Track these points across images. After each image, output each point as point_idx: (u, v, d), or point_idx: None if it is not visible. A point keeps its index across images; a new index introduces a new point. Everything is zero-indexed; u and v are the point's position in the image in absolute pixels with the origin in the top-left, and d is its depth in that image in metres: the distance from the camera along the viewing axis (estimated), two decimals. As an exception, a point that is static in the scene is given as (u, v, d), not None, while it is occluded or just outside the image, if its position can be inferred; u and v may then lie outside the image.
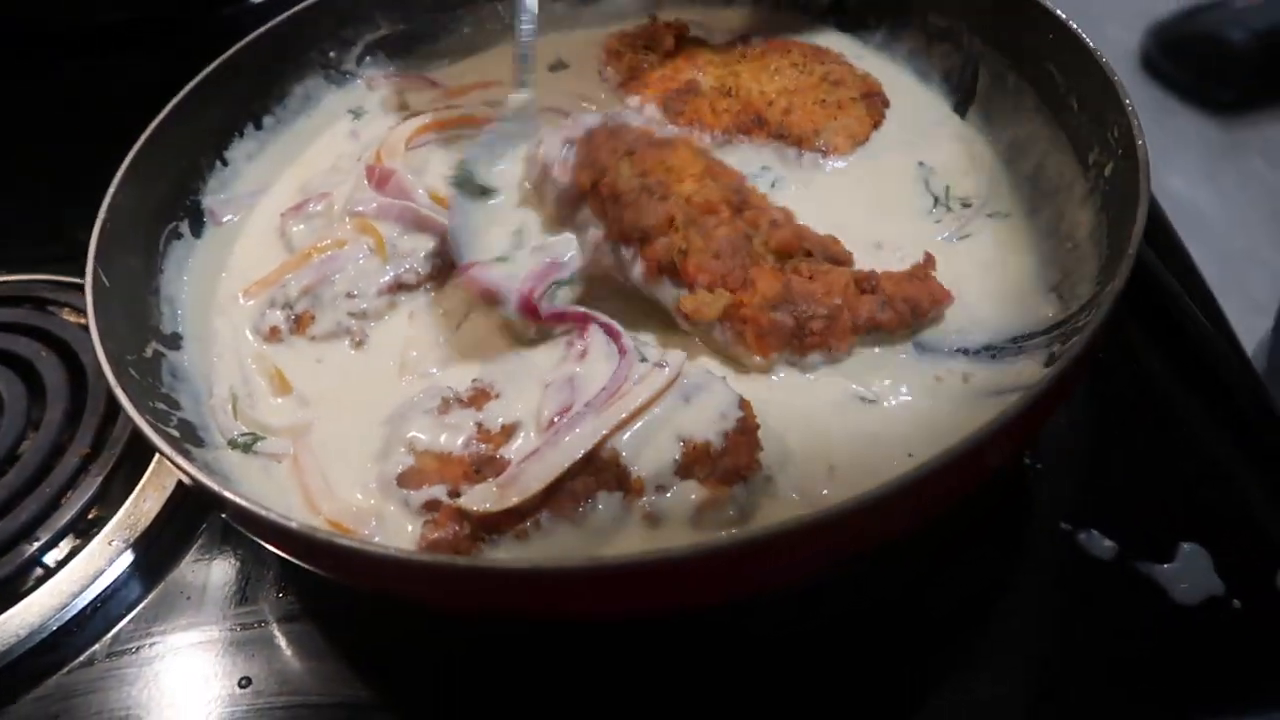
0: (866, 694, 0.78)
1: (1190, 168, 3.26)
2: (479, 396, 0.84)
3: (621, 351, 0.83)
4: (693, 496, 0.74)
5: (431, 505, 0.78)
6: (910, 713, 0.77)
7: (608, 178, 0.88)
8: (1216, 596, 0.79)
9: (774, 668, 0.79)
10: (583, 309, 0.89)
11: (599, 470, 0.76)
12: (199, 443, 0.87)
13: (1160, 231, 1.13)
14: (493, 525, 0.75)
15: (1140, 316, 0.96)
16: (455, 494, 0.77)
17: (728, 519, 0.74)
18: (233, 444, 0.88)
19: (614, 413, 0.78)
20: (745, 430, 0.77)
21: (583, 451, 0.75)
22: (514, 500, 0.73)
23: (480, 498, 0.75)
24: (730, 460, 0.75)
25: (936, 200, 0.99)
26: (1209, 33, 3.39)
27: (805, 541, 0.62)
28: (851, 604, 0.82)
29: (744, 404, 0.79)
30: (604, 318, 0.87)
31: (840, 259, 0.91)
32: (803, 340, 0.84)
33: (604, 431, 0.76)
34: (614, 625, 0.79)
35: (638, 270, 0.87)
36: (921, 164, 1.03)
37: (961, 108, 1.09)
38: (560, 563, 0.66)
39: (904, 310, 0.85)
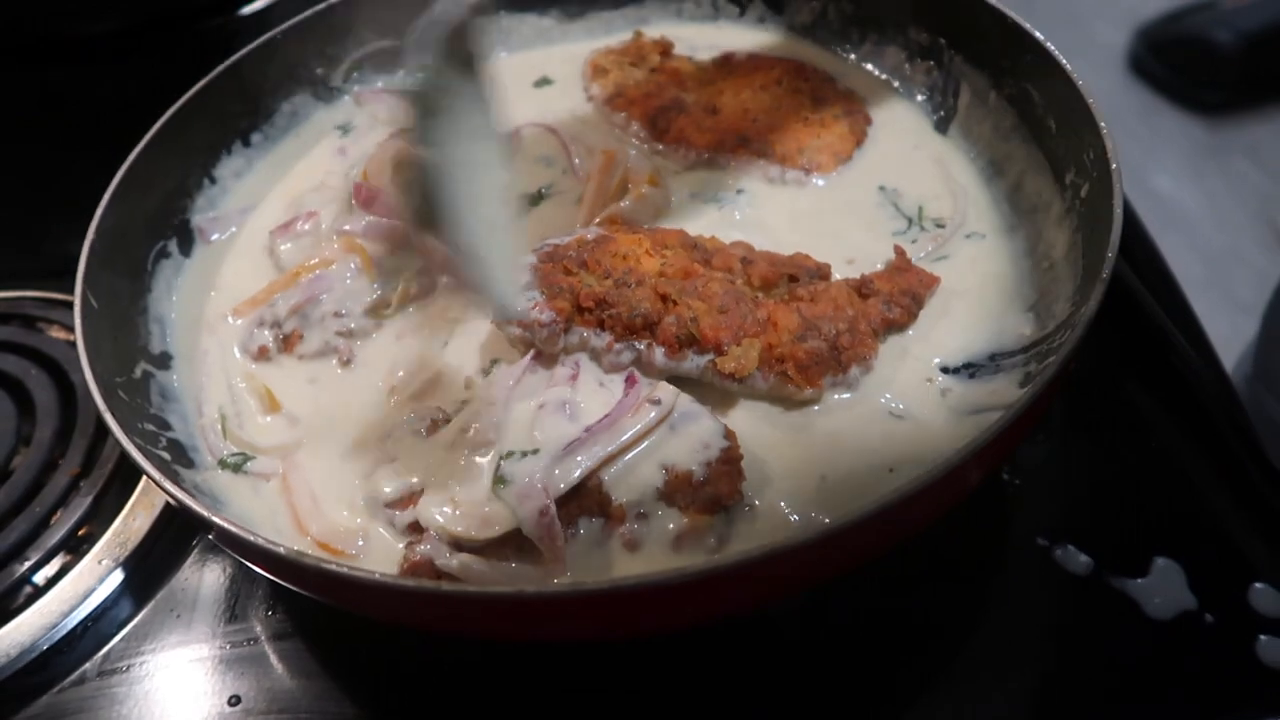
0: (844, 709, 0.79)
1: (1176, 168, 3.28)
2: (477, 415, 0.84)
3: (631, 382, 0.83)
4: (671, 525, 0.75)
5: (416, 527, 0.79)
6: (888, 725, 0.79)
7: (584, 292, 0.86)
8: (1189, 611, 0.80)
9: (752, 685, 0.80)
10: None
11: (582, 497, 0.77)
12: (189, 464, 0.88)
13: (1138, 243, 1.15)
14: (476, 550, 0.76)
15: (1117, 334, 0.97)
16: None
17: (707, 546, 0.76)
18: (223, 464, 0.89)
19: (610, 443, 0.78)
20: (728, 460, 0.78)
21: (577, 479, 0.76)
22: (498, 530, 0.74)
23: (464, 520, 0.76)
24: (711, 489, 0.76)
25: (910, 222, 1.00)
26: (1196, 34, 3.41)
27: (780, 566, 0.63)
28: (827, 621, 0.83)
29: (729, 434, 0.80)
30: None
31: (823, 273, 0.93)
32: (839, 359, 0.85)
33: (600, 461, 0.77)
34: (600, 645, 0.80)
35: (659, 356, 0.85)
36: (891, 188, 1.04)
37: (943, 125, 1.10)
38: (539, 589, 0.66)
39: (907, 302, 0.90)
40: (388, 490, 0.83)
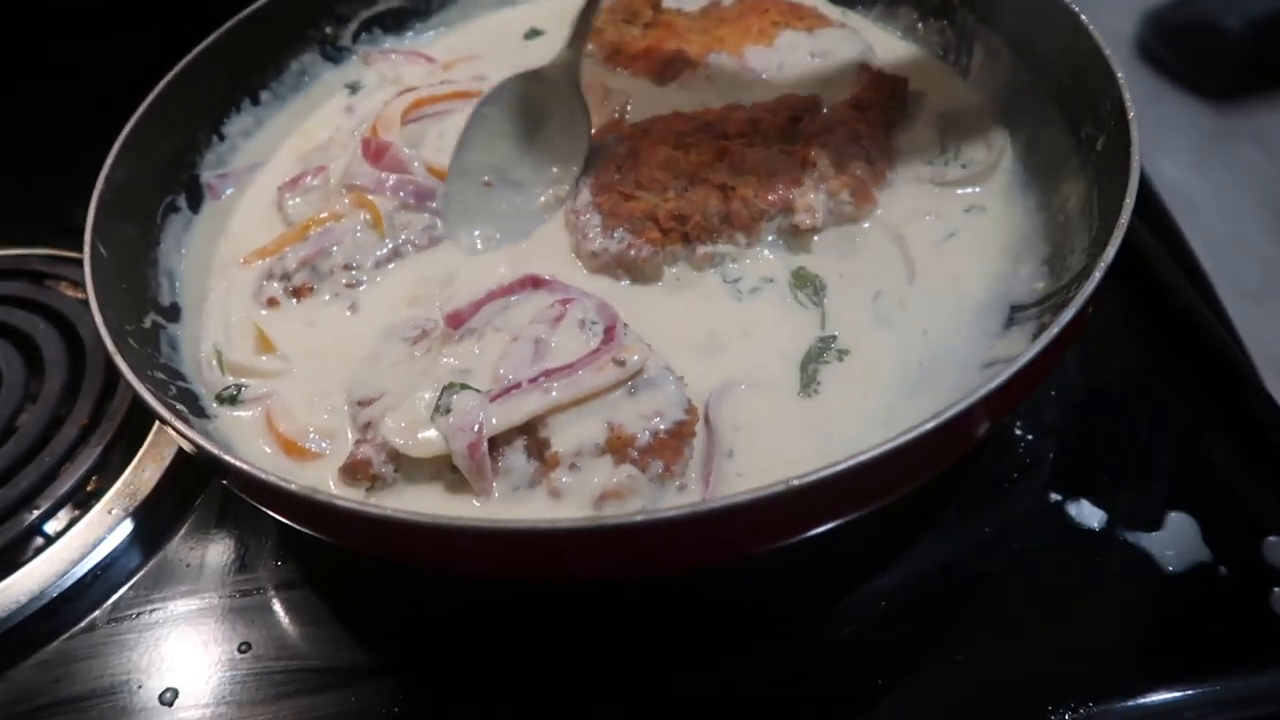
0: (852, 661, 0.79)
1: (1182, 154, 3.27)
2: (452, 335, 0.85)
3: (610, 337, 0.82)
4: (597, 481, 0.75)
5: (368, 428, 0.81)
6: (899, 679, 0.78)
7: (661, 214, 0.92)
8: (1204, 564, 0.80)
9: (756, 630, 0.80)
10: (579, 289, 0.89)
11: (524, 434, 0.78)
12: (200, 413, 0.88)
13: (1152, 208, 1.14)
14: (411, 463, 0.78)
15: (1130, 290, 0.97)
16: None
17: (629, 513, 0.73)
18: (219, 398, 0.89)
19: (563, 393, 0.78)
20: (678, 434, 0.77)
21: (515, 424, 0.77)
22: (430, 453, 0.76)
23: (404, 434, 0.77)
24: (649, 457, 0.75)
25: (943, 151, 1.01)
26: (1204, 20, 3.39)
27: (775, 507, 0.63)
28: (835, 571, 0.83)
29: (690, 409, 0.79)
30: (600, 299, 0.87)
31: (816, 103, 1.02)
32: (875, 168, 0.96)
33: (546, 408, 0.77)
34: (613, 587, 0.80)
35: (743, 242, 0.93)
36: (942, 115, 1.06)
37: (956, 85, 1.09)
38: (408, 517, 0.64)
39: (894, 102, 1.03)
40: (358, 391, 0.85)
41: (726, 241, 0.93)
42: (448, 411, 0.77)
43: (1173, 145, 3.36)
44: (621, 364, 0.79)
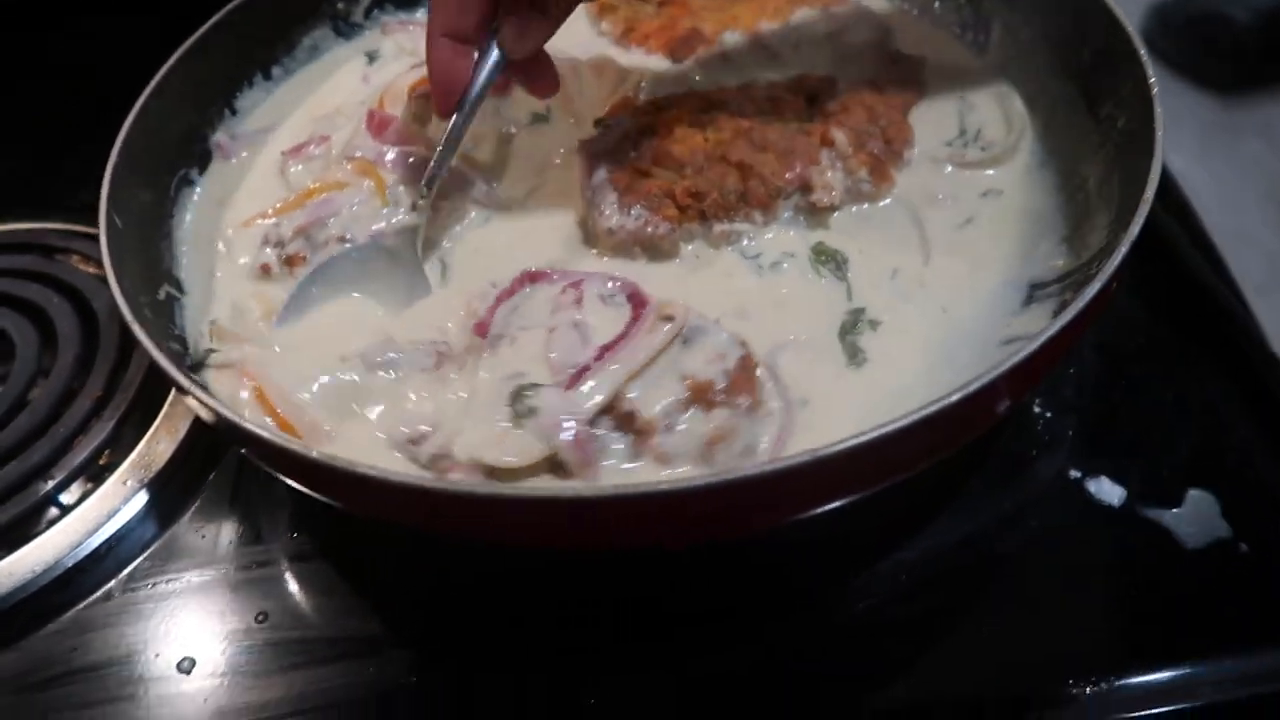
0: (871, 635, 0.79)
1: (1186, 147, 3.26)
2: (481, 346, 0.84)
3: (639, 302, 0.83)
4: (698, 430, 0.75)
5: (439, 459, 0.78)
6: (916, 655, 0.78)
7: (679, 191, 0.91)
8: (1223, 540, 0.80)
9: (775, 604, 0.81)
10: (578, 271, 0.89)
11: (610, 416, 0.77)
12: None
13: (1166, 187, 1.14)
14: (504, 475, 0.75)
15: (1148, 268, 0.96)
16: None
17: (737, 453, 0.75)
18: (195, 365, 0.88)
19: (630, 361, 0.77)
20: (745, 368, 0.77)
21: (603, 402, 0.76)
22: (536, 456, 0.74)
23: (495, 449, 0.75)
24: (732, 395, 0.76)
25: (963, 133, 1.01)
26: (1211, 11, 3.38)
27: (800, 482, 0.63)
28: (848, 546, 0.83)
29: (742, 343, 0.80)
30: (606, 273, 0.87)
31: (832, 82, 1.01)
32: (893, 149, 0.96)
33: (623, 379, 0.76)
34: (629, 560, 0.80)
35: (760, 220, 0.93)
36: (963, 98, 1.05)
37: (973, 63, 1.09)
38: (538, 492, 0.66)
39: (912, 80, 1.04)
40: (404, 430, 0.81)
41: (743, 219, 0.93)
42: (533, 413, 0.75)
43: (1176, 138, 3.33)
44: (670, 318, 0.79)
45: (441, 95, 0.89)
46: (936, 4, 1.14)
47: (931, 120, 1.02)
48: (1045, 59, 1.01)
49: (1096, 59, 0.93)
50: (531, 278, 0.88)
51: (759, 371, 0.80)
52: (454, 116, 0.90)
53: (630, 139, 0.97)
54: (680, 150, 0.94)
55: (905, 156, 0.97)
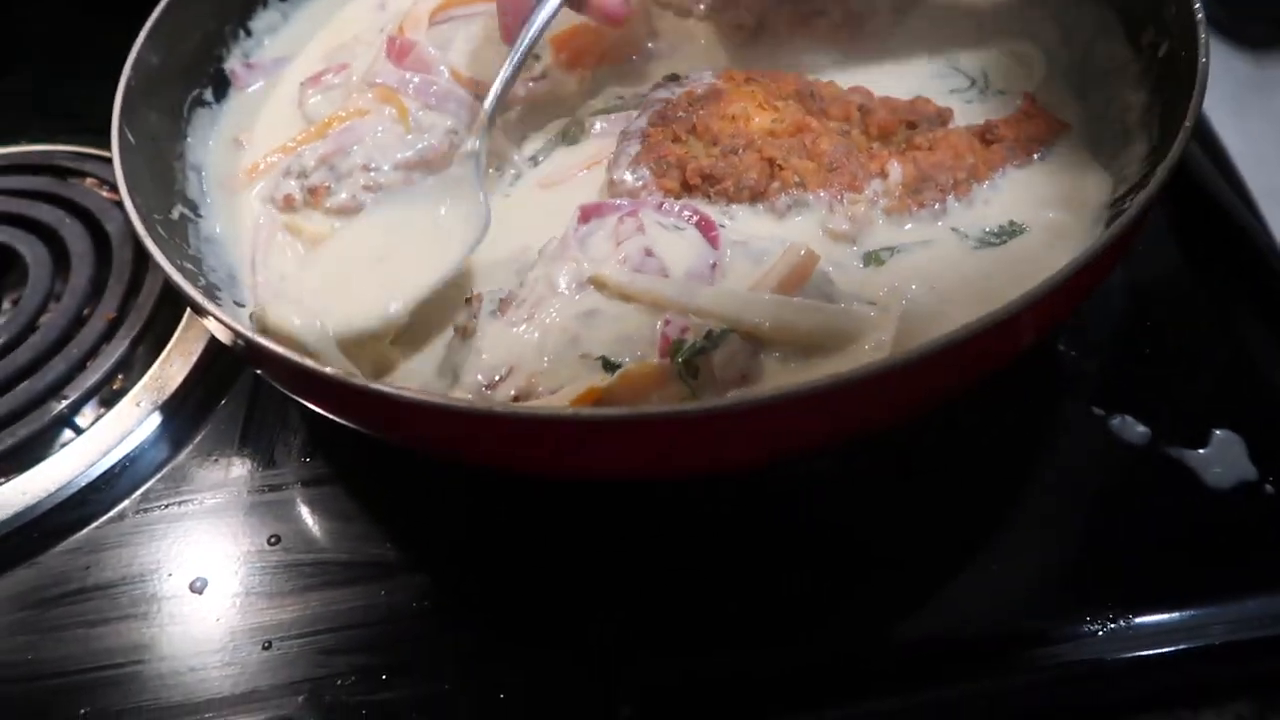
0: (889, 568, 0.79)
1: (1216, 104, 3.18)
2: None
3: (706, 225, 0.82)
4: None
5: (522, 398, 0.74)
6: (934, 588, 0.78)
7: (691, 167, 0.87)
8: (1249, 481, 0.78)
9: (796, 528, 0.80)
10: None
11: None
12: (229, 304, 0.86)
13: (1204, 133, 1.11)
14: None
15: (1179, 205, 0.94)
16: None
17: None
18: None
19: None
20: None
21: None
22: None
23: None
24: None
25: (972, 82, 0.97)
26: (1247, -34, 3.28)
27: (838, 400, 0.62)
28: (872, 477, 0.83)
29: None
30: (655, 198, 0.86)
31: (944, 118, 0.91)
32: (948, 194, 0.86)
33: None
34: (653, 490, 0.80)
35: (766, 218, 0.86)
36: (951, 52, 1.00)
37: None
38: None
39: (1032, 147, 0.88)
40: (480, 377, 0.76)
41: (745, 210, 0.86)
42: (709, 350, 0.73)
43: (1208, 95, 3.27)
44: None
45: (509, 20, 0.89)
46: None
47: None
48: (1084, -15, 0.97)
49: (1138, -18, 0.90)
50: (583, 215, 0.85)
51: None
52: (518, 40, 0.89)
53: (692, 95, 0.92)
54: (722, 127, 0.88)
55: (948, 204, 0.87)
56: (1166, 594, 0.75)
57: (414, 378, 0.82)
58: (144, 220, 0.79)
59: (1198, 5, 0.80)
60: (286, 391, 0.75)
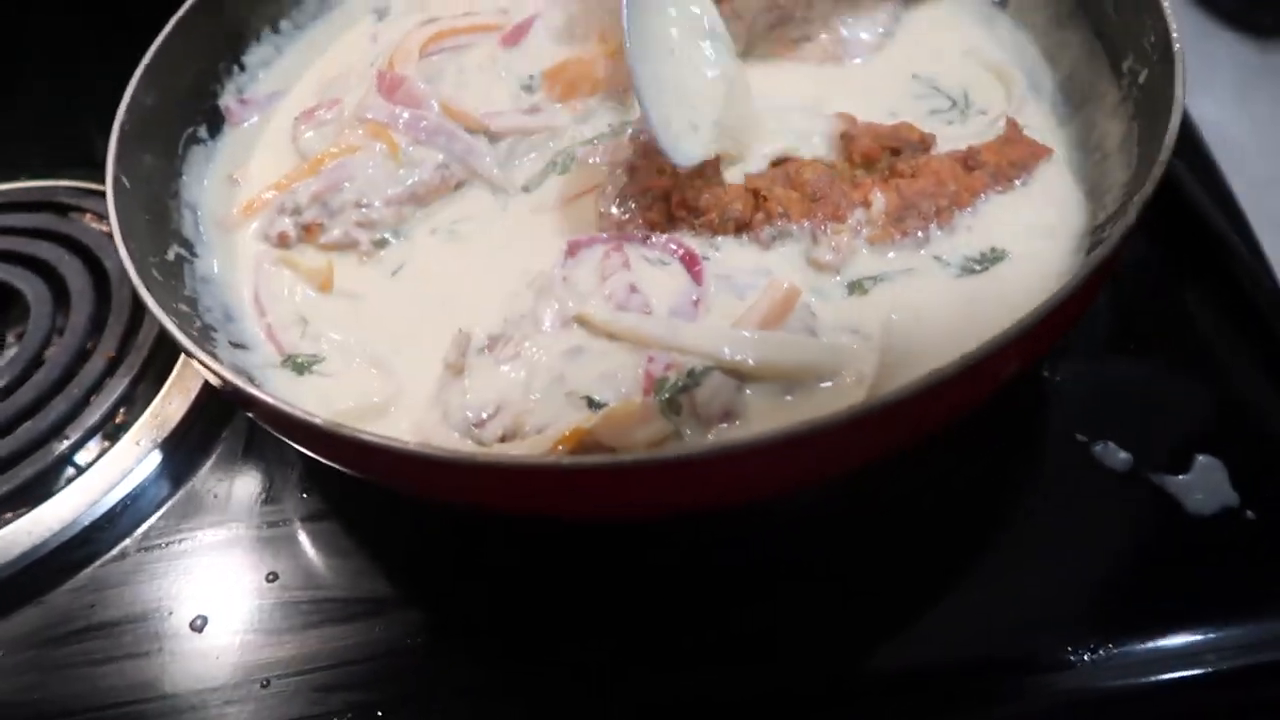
0: (872, 601, 0.80)
1: (1224, 92, 3.16)
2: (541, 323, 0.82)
3: (690, 260, 0.84)
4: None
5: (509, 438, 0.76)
6: (916, 616, 0.79)
7: (676, 199, 0.88)
8: (1231, 508, 0.79)
9: (784, 565, 0.81)
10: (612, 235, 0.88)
11: None
12: (217, 344, 0.88)
13: (1191, 146, 1.11)
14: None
15: (1164, 229, 0.95)
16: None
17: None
18: (290, 362, 0.88)
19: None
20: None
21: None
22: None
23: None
24: None
25: (953, 104, 0.98)
26: (1251, -46, 3.25)
27: (816, 445, 0.63)
28: (855, 509, 0.83)
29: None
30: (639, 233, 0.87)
31: (926, 144, 0.92)
32: (931, 222, 0.87)
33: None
34: (645, 530, 0.81)
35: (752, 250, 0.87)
36: (929, 74, 1.01)
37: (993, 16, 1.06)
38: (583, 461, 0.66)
39: (1014, 173, 0.89)
40: (462, 418, 0.78)
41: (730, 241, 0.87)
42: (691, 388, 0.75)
43: (1214, 83, 3.25)
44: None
45: None
46: (956, -49, 1.10)
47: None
48: (1067, 9, 0.98)
49: (1120, 9, 0.90)
50: (570, 249, 0.86)
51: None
52: None
53: None
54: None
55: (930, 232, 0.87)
56: (1150, 622, 0.76)
57: (407, 410, 0.83)
58: (138, 267, 0.81)
59: (1175, 34, 0.80)
60: (274, 432, 0.77)
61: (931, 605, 0.78)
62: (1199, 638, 0.74)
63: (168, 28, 1.01)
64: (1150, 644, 0.74)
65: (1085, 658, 0.74)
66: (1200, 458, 0.82)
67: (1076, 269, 0.76)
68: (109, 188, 0.86)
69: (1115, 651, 0.74)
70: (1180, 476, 0.81)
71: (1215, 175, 1.11)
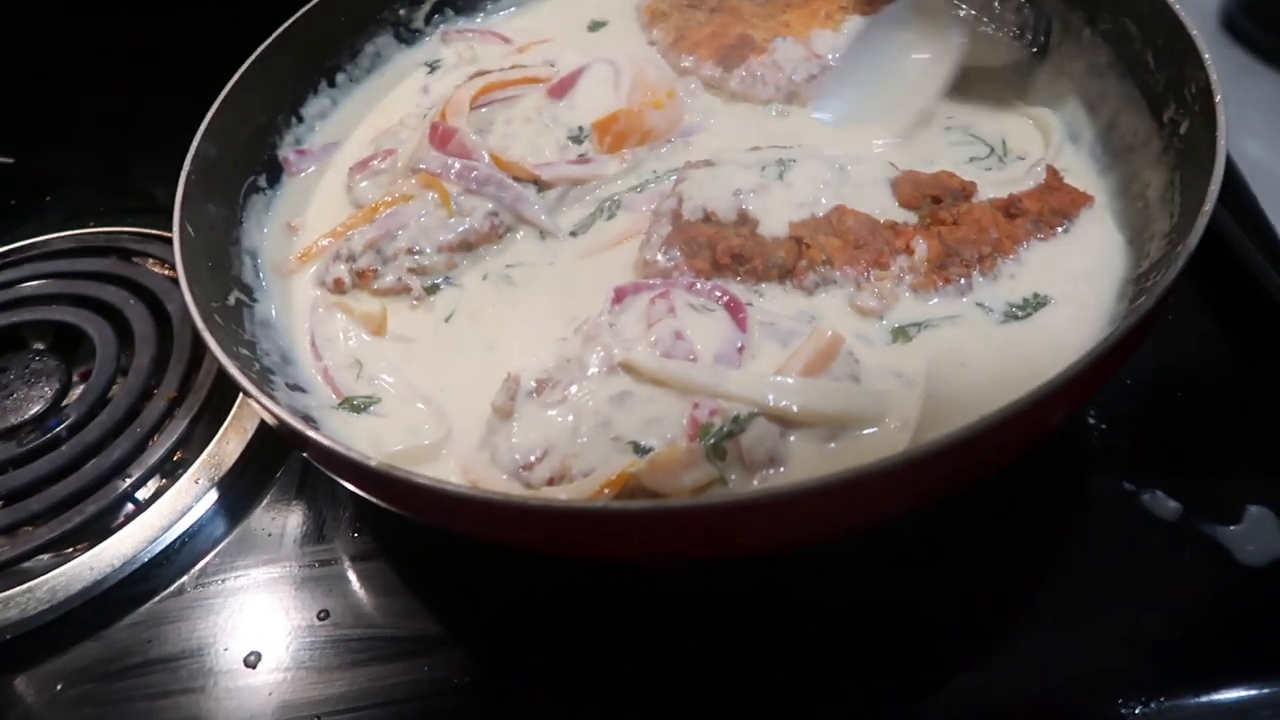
0: (921, 644, 0.79)
1: (1267, 130, 3.12)
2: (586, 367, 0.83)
3: (734, 307, 0.84)
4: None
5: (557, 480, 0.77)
6: (965, 665, 0.78)
7: (721, 247, 0.90)
8: (1283, 559, 0.78)
9: (828, 613, 0.81)
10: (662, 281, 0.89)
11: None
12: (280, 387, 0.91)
13: (1235, 191, 1.11)
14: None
15: (1210, 276, 0.94)
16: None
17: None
18: (348, 404, 0.90)
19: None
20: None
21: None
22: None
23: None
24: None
25: (991, 150, 0.99)
26: (1294, -10, 3.23)
27: (849, 497, 0.63)
28: (904, 560, 0.83)
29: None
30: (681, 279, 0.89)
31: (967, 191, 0.93)
32: (973, 269, 0.88)
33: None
34: (689, 577, 0.82)
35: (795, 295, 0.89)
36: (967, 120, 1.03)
37: (1033, 64, 1.07)
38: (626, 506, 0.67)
39: (1055, 220, 0.90)
40: (511, 460, 0.80)
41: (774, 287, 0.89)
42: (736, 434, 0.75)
43: (1257, 121, 3.20)
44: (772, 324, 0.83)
45: None
46: (995, 4, 1.12)
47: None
48: (1106, 59, 0.99)
49: (1160, 60, 0.91)
50: (618, 295, 0.88)
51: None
52: None
53: None
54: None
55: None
56: (1202, 675, 0.75)
57: (456, 451, 0.85)
58: (202, 311, 0.84)
59: (1215, 83, 0.81)
60: (328, 473, 0.79)
61: (980, 657, 0.78)
62: (1253, 692, 0.73)
63: (228, 86, 1.05)
64: (1203, 698, 0.73)
65: (1136, 711, 0.73)
66: (1252, 508, 0.81)
67: (1119, 316, 0.77)
68: (175, 236, 0.90)
69: (1167, 705, 0.73)
70: (1232, 527, 0.80)
71: (1259, 216, 1.10)
